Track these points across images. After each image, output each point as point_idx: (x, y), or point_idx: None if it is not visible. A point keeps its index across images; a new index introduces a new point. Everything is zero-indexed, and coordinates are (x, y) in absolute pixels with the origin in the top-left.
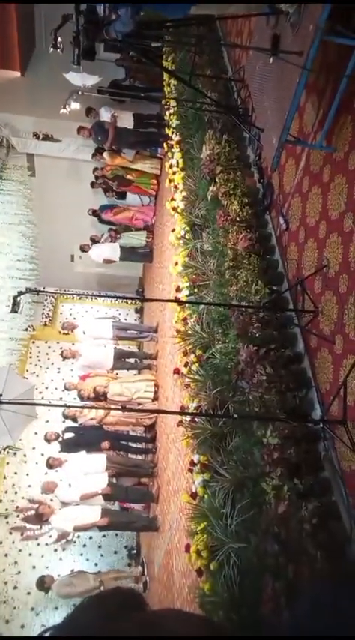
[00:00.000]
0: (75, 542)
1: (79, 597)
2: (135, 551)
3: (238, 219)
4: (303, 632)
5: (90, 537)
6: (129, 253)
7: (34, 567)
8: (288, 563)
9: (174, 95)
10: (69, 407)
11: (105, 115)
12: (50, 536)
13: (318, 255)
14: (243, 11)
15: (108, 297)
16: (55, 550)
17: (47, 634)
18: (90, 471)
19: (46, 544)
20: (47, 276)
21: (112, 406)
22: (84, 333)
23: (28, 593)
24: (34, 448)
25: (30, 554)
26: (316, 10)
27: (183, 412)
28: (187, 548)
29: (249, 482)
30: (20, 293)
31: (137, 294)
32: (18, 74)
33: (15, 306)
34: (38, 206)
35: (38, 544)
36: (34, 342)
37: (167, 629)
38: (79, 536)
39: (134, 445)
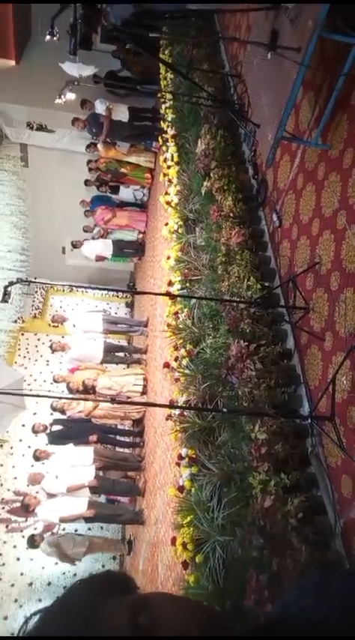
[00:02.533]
0: (60, 534)
1: (60, 560)
2: None
3: (232, 214)
4: (290, 612)
5: (76, 530)
6: (120, 249)
7: (18, 559)
8: (273, 557)
9: (170, 89)
10: (59, 398)
11: (100, 107)
12: (35, 529)
13: (311, 252)
14: (242, 5)
15: (100, 289)
16: None
17: (37, 616)
18: (78, 463)
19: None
20: (38, 268)
21: (101, 399)
22: (74, 325)
23: (12, 585)
24: (20, 440)
25: (14, 547)
26: (315, 6)
27: (172, 405)
28: (173, 541)
29: (236, 476)
30: (11, 283)
31: (128, 288)
32: (12, 63)
33: (5, 296)
34: (30, 197)
35: (23, 536)
36: (23, 334)
37: (157, 611)
38: (64, 529)
39: (122, 439)
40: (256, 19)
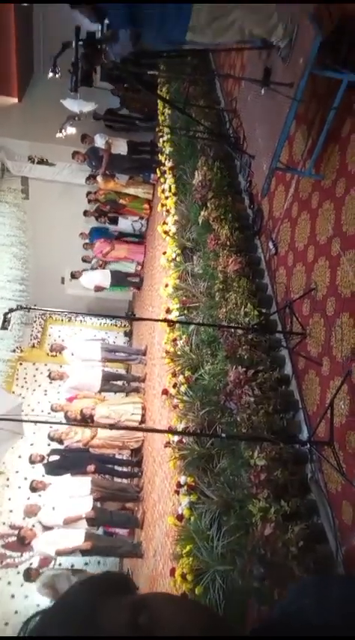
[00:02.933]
0: (55, 572)
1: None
2: None
3: (228, 243)
4: (289, 611)
5: (72, 565)
6: (119, 279)
7: (12, 596)
8: (274, 587)
9: (167, 124)
10: (58, 424)
11: (100, 141)
12: (31, 564)
13: (306, 278)
14: (235, 44)
15: (99, 316)
16: None
17: (38, 617)
18: (75, 494)
19: None
20: (37, 298)
21: (100, 427)
22: (72, 354)
23: (6, 624)
24: (17, 472)
25: (9, 583)
26: (306, 44)
27: (170, 431)
28: (172, 572)
29: (235, 503)
30: (11, 310)
31: (127, 317)
32: (15, 100)
33: (5, 323)
34: (31, 228)
35: (18, 572)
36: (21, 364)
37: (157, 611)
38: (60, 564)
39: (120, 469)
40: (249, 57)
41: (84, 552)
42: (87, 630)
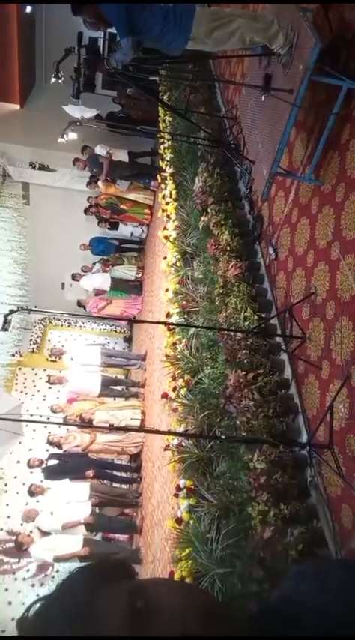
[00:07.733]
0: (54, 576)
1: None
2: None
3: (229, 248)
4: (287, 597)
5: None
6: (119, 284)
7: (9, 603)
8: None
9: (168, 130)
10: (57, 423)
11: (100, 152)
12: (28, 571)
13: (306, 283)
14: (236, 51)
15: (99, 318)
16: (33, 585)
17: (38, 604)
18: (73, 499)
19: (24, 578)
20: (37, 303)
21: (99, 428)
22: (72, 359)
23: (3, 631)
24: (15, 477)
25: (6, 589)
26: (306, 51)
27: (170, 432)
28: (171, 575)
29: (234, 507)
30: (12, 311)
31: (127, 323)
32: (17, 107)
33: (5, 325)
34: (31, 233)
35: (15, 579)
36: (20, 369)
37: (155, 595)
38: (58, 571)
39: (119, 474)
40: (250, 65)
41: (82, 558)
42: (86, 616)
